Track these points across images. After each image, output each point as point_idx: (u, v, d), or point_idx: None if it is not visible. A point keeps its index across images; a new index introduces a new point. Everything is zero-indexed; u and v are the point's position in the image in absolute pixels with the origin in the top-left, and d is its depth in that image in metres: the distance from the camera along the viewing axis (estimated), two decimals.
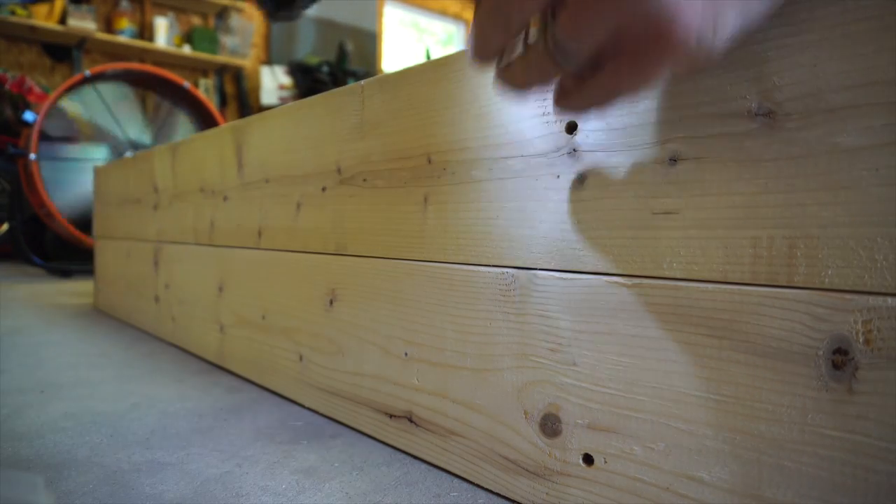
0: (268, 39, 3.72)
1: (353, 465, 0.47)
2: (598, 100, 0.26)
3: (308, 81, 3.30)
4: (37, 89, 2.46)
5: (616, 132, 0.35)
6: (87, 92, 2.28)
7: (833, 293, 0.27)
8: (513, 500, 0.41)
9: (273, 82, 3.53)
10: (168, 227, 0.94)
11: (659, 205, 0.33)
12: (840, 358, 0.27)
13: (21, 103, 2.37)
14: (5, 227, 2.27)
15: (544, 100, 0.38)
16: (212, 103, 2.57)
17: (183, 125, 2.42)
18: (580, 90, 0.26)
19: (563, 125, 0.37)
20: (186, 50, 3.19)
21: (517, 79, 0.27)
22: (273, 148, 0.66)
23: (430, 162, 0.46)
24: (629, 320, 0.34)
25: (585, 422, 0.37)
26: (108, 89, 2.30)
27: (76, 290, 1.58)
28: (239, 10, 3.48)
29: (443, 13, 4.57)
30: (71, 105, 2.24)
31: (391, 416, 0.50)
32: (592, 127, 0.36)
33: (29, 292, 1.55)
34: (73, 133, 2.21)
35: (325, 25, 3.95)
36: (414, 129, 0.48)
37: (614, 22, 0.22)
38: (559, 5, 0.23)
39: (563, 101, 0.27)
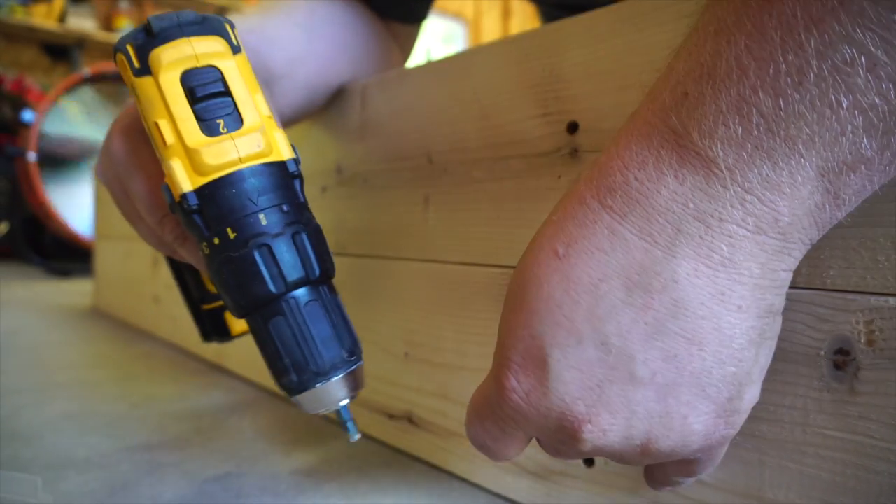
0: None
1: (352, 466, 0.47)
2: None
3: None
4: (35, 89, 2.46)
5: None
6: (86, 92, 2.28)
7: (835, 293, 0.27)
8: (513, 501, 0.41)
9: None
10: None
11: None
12: (842, 358, 0.27)
13: (20, 103, 2.37)
14: (4, 226, 2.27)
15: (545, 99, 0.38)
16: None
17: None
18: None
19: (564, 125, 0.37)
20: None
21: None
22: None
23: (430, 162, 0.46)
24: None
25: None
26: (107, 89, 2.30)
27: (75, 290, 1.58)
28: (238, 10, 3.48)
29: (443, 11, 4.57)
30: (70, 105, 2.24)
31: (391, 416, 0.50)
32: (594, 127, 0.36)
33: (28, 292, 1.55)
34: (73, 134, 2.21)
35: None
36: (415, 130, 0.48)
37: None
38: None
39: None
